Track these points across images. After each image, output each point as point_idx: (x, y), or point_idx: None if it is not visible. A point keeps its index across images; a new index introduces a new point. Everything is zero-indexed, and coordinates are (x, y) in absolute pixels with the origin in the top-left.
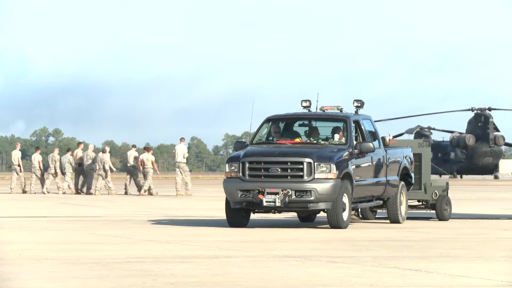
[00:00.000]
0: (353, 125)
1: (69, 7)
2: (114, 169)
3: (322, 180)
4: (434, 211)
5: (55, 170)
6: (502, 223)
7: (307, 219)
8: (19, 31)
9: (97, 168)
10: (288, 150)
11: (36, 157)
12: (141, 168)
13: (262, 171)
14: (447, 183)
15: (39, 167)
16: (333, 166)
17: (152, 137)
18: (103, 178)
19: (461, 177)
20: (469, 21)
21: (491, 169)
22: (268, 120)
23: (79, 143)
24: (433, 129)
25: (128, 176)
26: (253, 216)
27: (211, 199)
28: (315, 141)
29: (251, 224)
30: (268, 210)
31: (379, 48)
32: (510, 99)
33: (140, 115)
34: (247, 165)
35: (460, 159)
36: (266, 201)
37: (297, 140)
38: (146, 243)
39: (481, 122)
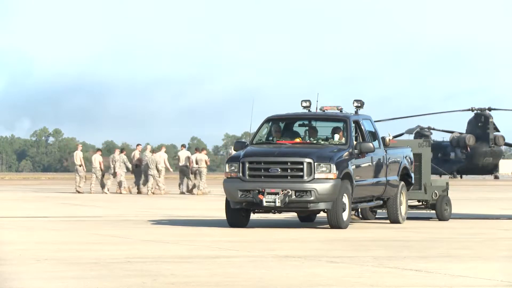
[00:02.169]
0: (353, 125)
1: (71, 7)
2: (171, 170)
3: (322, 180)
4: (434, 211)
5: (114, 170)
6: (502, 223)
7: (307, 219)
8: (22, 31)
9: (151, 167)
10: (288, 150)
11: (97, 158)
12: (190, 168)
13: (262, 171)
14: (447, 183)
15: (100, 167)
16: (333, 166)
17: (152, 137)
18: (154, 178)
19: (461, 177)
20: (470, 21)
21: (491, 169)
22: (268, 120)
23: (138, 144)
24: (433, 129)
25: (181, 176)
26: (253, 216)
27: (211, 199)
28: (315, 141)
29: (251, 224)
30: (268, 210)
31: (380, 48)
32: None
33: (140, 116)
34: (247, 165)
35: (460, 159)
36: (266, 201)
37: (297, 140)
38: (146, 243)
39: (481, 122)
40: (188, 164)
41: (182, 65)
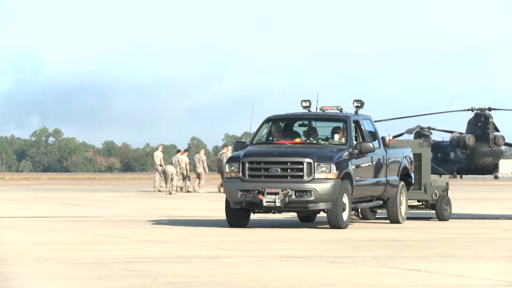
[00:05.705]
0: (353, 125)
1: (78, 7)
2: None
3: (322, 180)
4: (434, 211)
5: (205, 169)
6: (502, 223)
7: (307, 219)
8: (29, 31)
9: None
10: (288, 150)
11: (184, 159)
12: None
13: (262, 171)
14: (447, 183)
15: (186, 168)
16: (333, 166)
17: (152, 137)
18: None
19: (461, 177)
20: (471, 21)
21: (491, 169)
22: (268, 120)
23: (225, 146)
24: (433, 129)
25: None
26: (253, 216)
27: (211, 199)
28: (315, 141)
29: (251, 224)
30: (268, 210)
31: (381, 48)
32: None
33: (140, 116)
34: (247, 165)
35: (460, 159)
36: (266, 201)
37: (297, 140)
38: (146, 243)
39: (481, 122)
40: None
41: (182, 66)
